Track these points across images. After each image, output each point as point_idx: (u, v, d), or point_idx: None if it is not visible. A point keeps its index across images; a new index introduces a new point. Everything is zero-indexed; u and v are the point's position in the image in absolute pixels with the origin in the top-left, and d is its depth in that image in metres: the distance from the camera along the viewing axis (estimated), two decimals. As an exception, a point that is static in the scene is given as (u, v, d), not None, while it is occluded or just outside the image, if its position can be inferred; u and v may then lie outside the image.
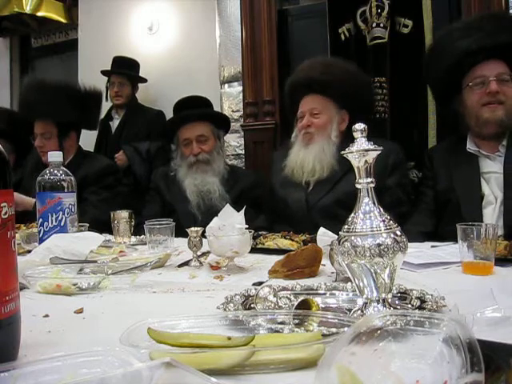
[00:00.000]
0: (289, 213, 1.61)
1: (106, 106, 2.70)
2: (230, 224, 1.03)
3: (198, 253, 1.12)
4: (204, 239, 1.09)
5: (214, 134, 1.91)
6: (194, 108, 1.88)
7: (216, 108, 2.67)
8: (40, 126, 2.04)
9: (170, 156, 1.90)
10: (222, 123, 1.98)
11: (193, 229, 1.10)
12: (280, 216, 1.64)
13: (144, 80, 2.80)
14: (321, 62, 1.66)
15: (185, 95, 1.97)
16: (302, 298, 0.66)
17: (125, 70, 2.72)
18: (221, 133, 1.98)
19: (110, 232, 1.50)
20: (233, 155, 2.62)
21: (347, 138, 1.60)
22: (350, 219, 0.63)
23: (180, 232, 1.27)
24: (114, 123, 2.78)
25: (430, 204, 1.51)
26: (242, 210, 1.08)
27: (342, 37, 2.19)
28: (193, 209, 1.77)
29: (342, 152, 0.64)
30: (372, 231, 0.61)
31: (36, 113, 2.01)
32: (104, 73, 2.76)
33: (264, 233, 1.34)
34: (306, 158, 1.61)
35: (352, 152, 0.64)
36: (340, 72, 1.61)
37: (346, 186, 1.48)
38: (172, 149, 1.92)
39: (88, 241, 1.09)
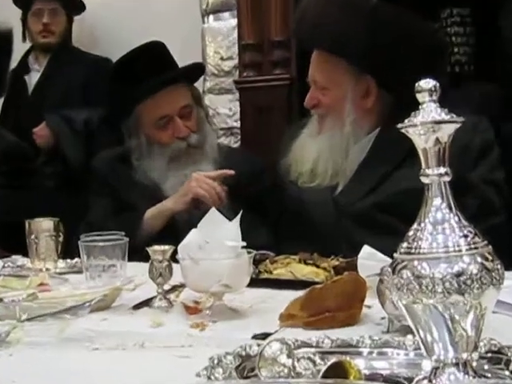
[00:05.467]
0: (307, 222, 1.62)
1: (19, 50, 2.65)
2: (216, 240, 1.02)
3: (166, 286, 1.12)
4: (176, 264, 1.08)
5: (194, 97, 1.93)
6: (154, 64, 1.84)
7: (197, 53, 2.63)
8: None
9: (122, 132, 1.91)
10: (195, 75, 2.00)
11: (156, 248, 1.08)
12: (293, 227, 1.66)
13: (83, 7, 2.79)
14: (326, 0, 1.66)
15: (143, 35, 1.95)
16: (333, 359, 0.65)
17: None
18: (198, 91, 1.98)
19: (24, 252, 1.49)
20: (222, 130, 2.59)
21: (381, 116, 1.60)
22: (410, 233, 0.64)
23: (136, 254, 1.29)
24: (32, 77, 2.77)
25: None
26: (237, 218, 1.07)
27: None
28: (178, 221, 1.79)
29: (400, 125, 0.65)
30: (447, 252, 0.61)
31: None
32: None
33: (271, 254, 1.34)
34: (308, 153, 1.65)
35: (415, 125, 0.63)
36: (358, 15, 1.55)
37: (397, 184, 1.49)
38: (125, 131, 1.90)
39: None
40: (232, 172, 1.75)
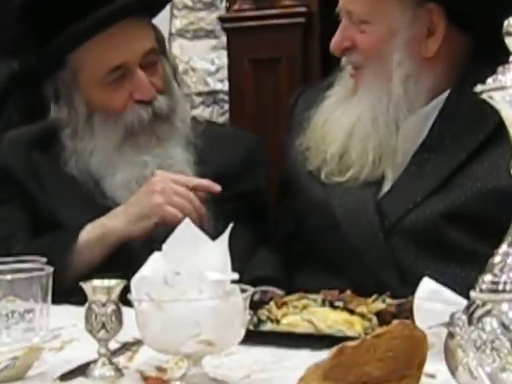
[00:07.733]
0: (335, 241, 1.53)
1: None
2: (192, 270, 0.96)
3: (112, 344, 1.05)
4: (128, 309, 1.01)
5: (158, 41, 1.79)
6: None
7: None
8: None
9: (43, 97, 1.79)
10: (157, 6, 1.85)
11: (97, 283, 1.00)
12: (312, 250, 1.59)
13: None
14: None
15: None
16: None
17: None
18: (161, 33, 1.86)
19: None
20: (200, 95, 2.44)
21: (452, 70, 1.49)
22: (497, 259, 0.67)
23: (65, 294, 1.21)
24: None
25: None
26: (225, 235, 0.98)
27: None
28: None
29: (480, 87, 0.67)
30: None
31: None
32: None
33: (278, 293, 1.28)
34: (335, 127, 1.53)
35: (503, 88, 0.66)
36: None
37: (478, 181, 1.38)
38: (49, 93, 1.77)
39: None
40: (219, 188, 1.60)
